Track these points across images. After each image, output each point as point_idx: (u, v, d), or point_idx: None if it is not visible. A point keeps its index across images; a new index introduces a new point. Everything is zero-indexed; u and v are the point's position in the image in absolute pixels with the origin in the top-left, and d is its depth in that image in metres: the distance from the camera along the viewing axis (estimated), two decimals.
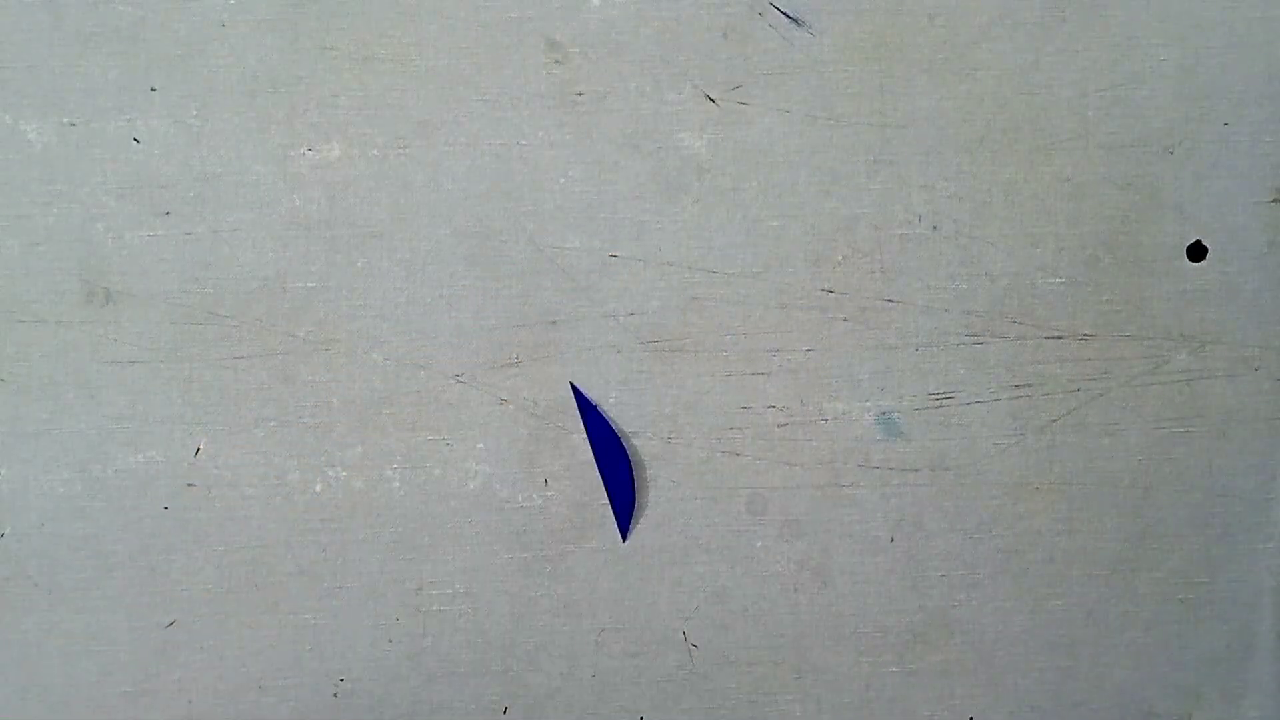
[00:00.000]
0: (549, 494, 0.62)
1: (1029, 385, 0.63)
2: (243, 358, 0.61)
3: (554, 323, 0.61)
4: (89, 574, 0.61)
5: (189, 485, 0.61)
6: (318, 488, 0.62)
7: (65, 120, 0.60)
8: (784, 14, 0.61)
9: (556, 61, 0.61)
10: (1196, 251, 0.63)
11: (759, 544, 0.62)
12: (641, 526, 0.62)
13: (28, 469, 0.61)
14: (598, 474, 0.62)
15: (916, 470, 0.63)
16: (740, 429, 0.62)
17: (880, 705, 0.63)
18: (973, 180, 0.62)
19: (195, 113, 0.60)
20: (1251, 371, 0.63)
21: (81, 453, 0.61)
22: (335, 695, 0.62)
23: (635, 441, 0.62)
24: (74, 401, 0.61)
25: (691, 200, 0.61)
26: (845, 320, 0.62)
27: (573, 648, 0.63)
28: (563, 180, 0.61)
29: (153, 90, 0.60)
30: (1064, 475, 0.63)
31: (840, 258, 0.62)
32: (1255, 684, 0.65)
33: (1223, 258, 0.62)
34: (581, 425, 0.61)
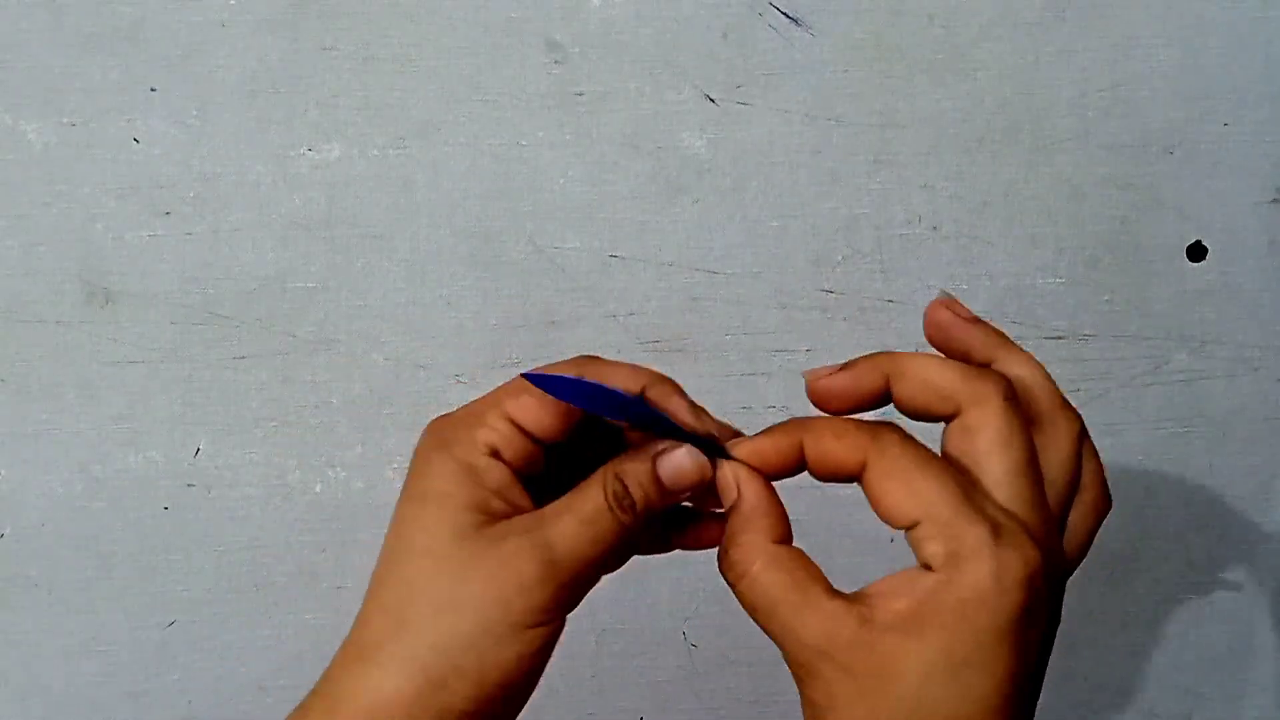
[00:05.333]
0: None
1: None
2: (243, 358, 0.61)
3: (554, 323, 0.61)
4: (89, 574, 0.61)
5: (189, 485, 0.61)
6: (318, 488, 0.62)
7: (65, 120, 0.60)
8: (784, 14, 0.61)
9: (556, 61, 0.61)
10: (1196, 251, 0.63)
11: None
12: None
13: (28, 469, 0.61)
14: None
15: None
16: (740, 429, 0.62)
17: None
18: (973, 180, 0.62)
19: (195, 113, 0.60)
20: (1251, 371, 0.63)
21: (81, 453, 0.61)
22: None
23: None
24: (74, 401, 0.61)
25: (691, 200, 0.61)
26: (845, 320, 0.62)
27: (573, 648, 0.63)
28: (563, 180, 0.61)
29: (153, 90, 0.60)
30: None
31: (840, 258, 0.62)
32: (1255, 684, 0.65)
33: (1223, 258, 0.62)
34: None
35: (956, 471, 0.30)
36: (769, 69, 0.61)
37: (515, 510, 0.33)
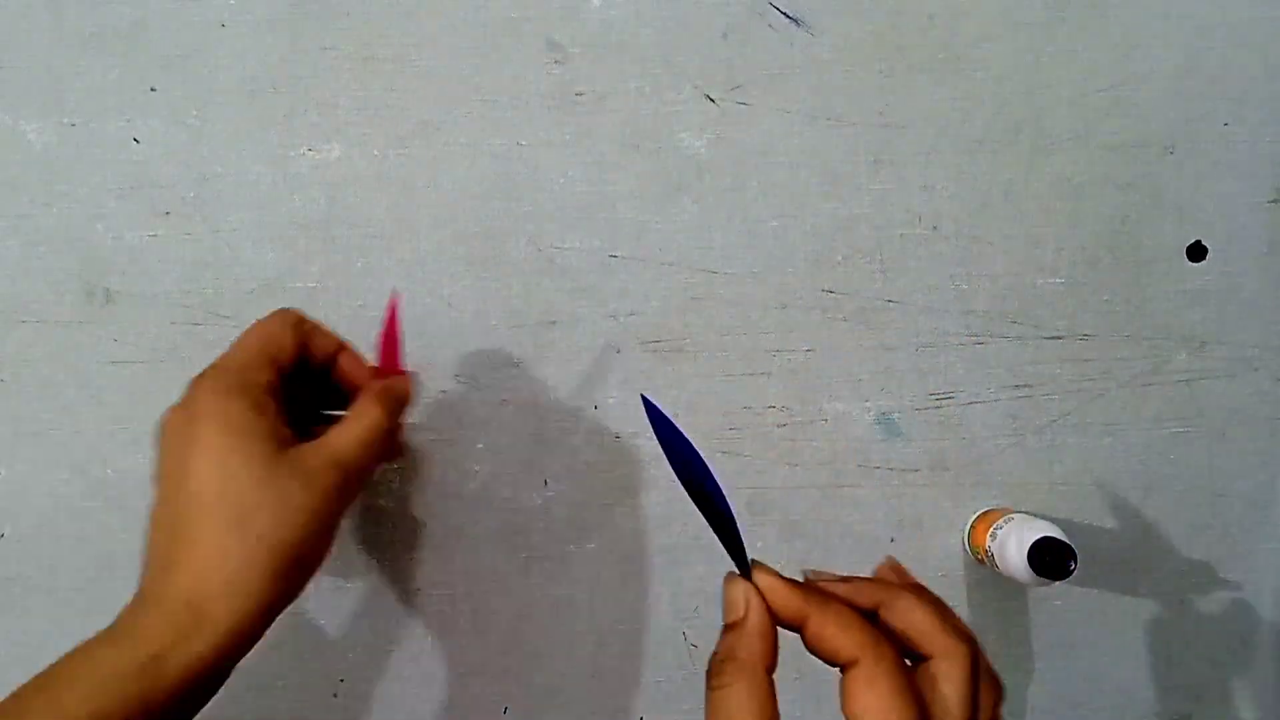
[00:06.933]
0: (549, 494, 0.62)
1: (1029, 385, 0.63)
2: None
3: (554, 323, 0.61)
4: (89, 574, 0.61)
5: None
6: None
7: (65, 120, 0.60)
8: (784, 14, 0.61)
9: (556, 61, 0.61)
10: (1196, 251, 0.63)
11: (759, 544, 0.62)
12: (642, 527, 0.62)
13: (28, 469, 0.61)
14: (598, 474, 0.62)
15: (916, 470, 0.63)
16: (740, 429, 0.62)
17: None
18: (973, 180, 0.62)
19: (195, 113, 0.60)
20: (1251, 371, 0.63)
21: (81, 453, 0.61)
22: (335, 695, 0.62)
23: (635, 442, 0.62)
24: (74, 401, 0.61)
25: (691, 200, 0.61)
26: (845, 320, 0.62)
27: (573, 648, 0.63)
28: (563, 180, 0.61)
29: (153, 90, 0.60)
30: (1064, 475, 0.63)
31: (840, 258, 0.62)
32: (1255, 684, 0.65)
33: (1223, 258, 0.62)
34: (581, 427, 0.61)
35: (920, 708, 0.33)
36: (769, 69, 0.61)
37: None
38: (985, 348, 0.62)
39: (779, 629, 0.36)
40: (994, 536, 0.58)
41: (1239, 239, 0.62)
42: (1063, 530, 0.56)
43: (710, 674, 0.35)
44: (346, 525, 0.62)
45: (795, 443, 0.62)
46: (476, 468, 0.62)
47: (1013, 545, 0.56)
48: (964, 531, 0.63)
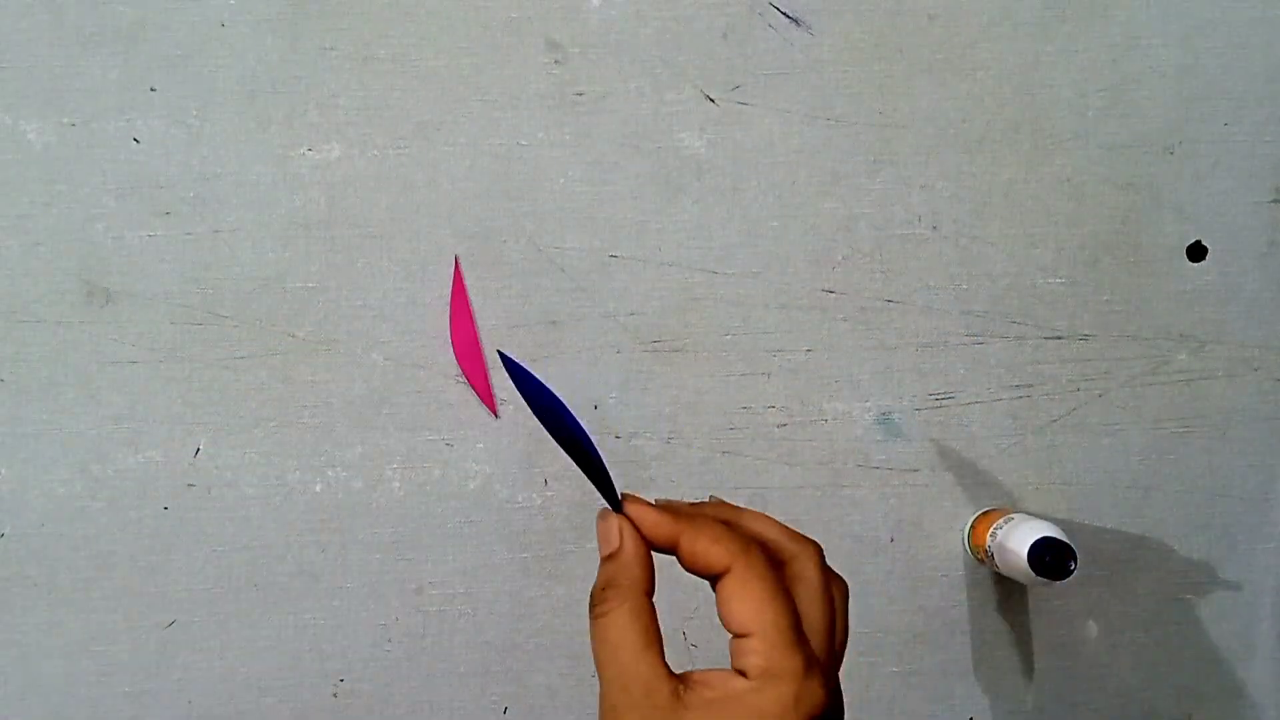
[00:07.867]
0: (549, 494, 0.62)
1: (1029, 385, 0.63)
2: (243, 358, 0.61)
3: (554, 323, 0.61)
4: (89, 574, 0.61)
5: (189, 485, 0.61)
6: (318, 488, 0.62)
7: (65, 120, 0.60)
8: (784, 14, 0.61)
9: (556, 61, 0.61)
10: (1196, 251, 0.63)
11: None
12: None
13: (28, 469, 0.61)
14: None
15: (916, 470, 0.63)
16: (740, 429, 0.62)
17: (880, 705, 0.63)
18: (973, 180, 0.62)
19: (195, 113, 0.60)
20: (1251, 371, 0.63)
21: (81, 453, 0.61)
22: (335, 695, 0.62)
23: (635, 442, 0.62)
24: (74, 401, 0.61)
25: (691, 200, 0.61)
26: (845, 320, 0.62)
27: (573, 648, 0.63)
28: (563, 180, 0.61)
29: (153, 90, 0.60)
30: (1064, 475, 0.63)
31: (840, 258, 0.62)
32: (1255, 684, 0.65)
33: (1223, 258, 0.62)
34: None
35: (792, 604, 0.35)
36: (769, 69, 0.61)
37: None
38: (985, 348, 0.62)
39: (655, 554, 0.37)
40: (994, 536, 0.58)
41: (1239, 239, 0.62)
42: (1063, 530, 0.56)
43: (592, 604, 0.36)
44: (347, 524, 0.62)
45: (795, 443, 0.62)
46: (476, 468, 0.62)
47: (1013, 545, 0.56)
48: (964, 531, 0.63)
